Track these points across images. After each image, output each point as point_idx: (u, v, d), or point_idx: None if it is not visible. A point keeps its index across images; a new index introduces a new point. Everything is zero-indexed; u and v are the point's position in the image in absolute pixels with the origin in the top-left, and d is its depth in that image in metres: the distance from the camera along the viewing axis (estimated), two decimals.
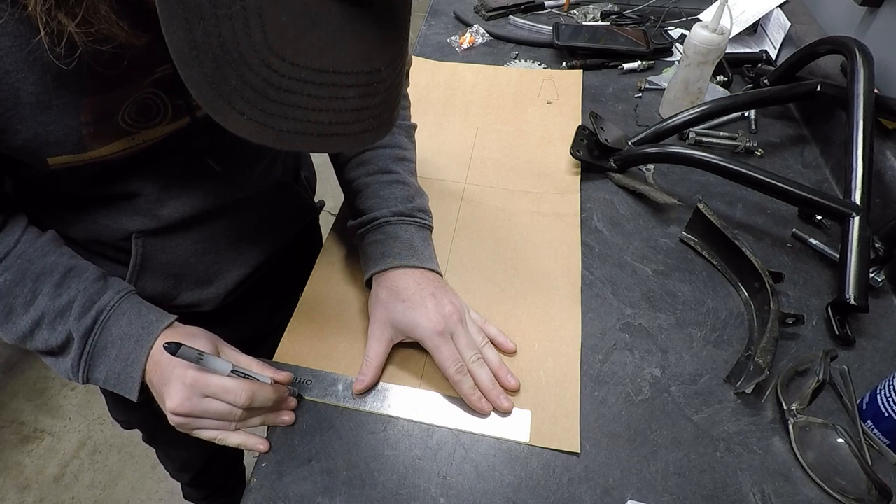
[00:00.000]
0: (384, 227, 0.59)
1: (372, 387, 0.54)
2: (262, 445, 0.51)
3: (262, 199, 0.64)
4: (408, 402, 0.54)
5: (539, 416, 0.52)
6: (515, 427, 0.51)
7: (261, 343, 0.67)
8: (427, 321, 0.53)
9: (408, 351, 0.57)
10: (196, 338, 0.50)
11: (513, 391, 0.54)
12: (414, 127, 0.71)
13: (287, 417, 0.52)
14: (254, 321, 0.74)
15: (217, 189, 0.57)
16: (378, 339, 0.55)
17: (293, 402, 0.53)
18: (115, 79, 0.43)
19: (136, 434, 0.93)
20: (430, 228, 0.62)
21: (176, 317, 0.52)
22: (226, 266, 0.64)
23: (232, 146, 0.55)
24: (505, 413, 0.52)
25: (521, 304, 0.62)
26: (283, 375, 0.52)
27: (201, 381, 0.47)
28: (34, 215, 0.54)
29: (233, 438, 0.51)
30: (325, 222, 0.75)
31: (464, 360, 0.53)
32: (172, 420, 0.49)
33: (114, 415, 0.88)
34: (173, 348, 0.44)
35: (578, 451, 0.50)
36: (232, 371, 0.48)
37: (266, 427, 0.53)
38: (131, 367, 0.49)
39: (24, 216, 0.52)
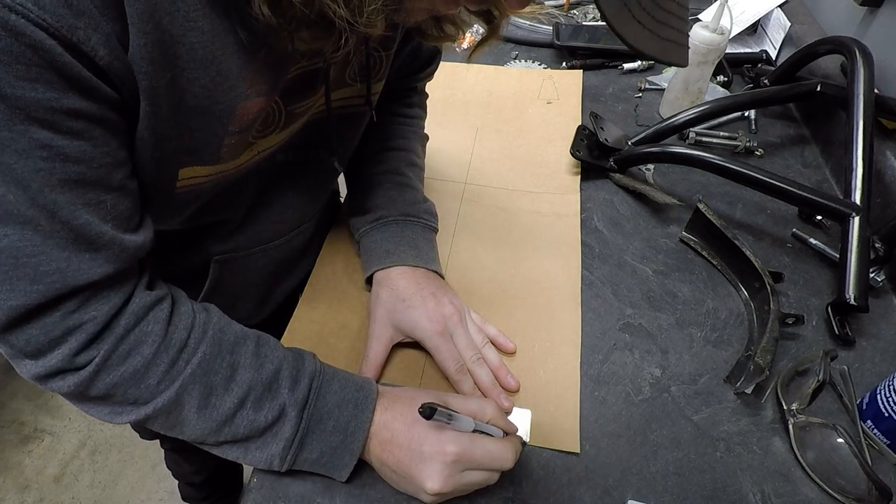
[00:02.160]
0: (390, 225, 0.59)
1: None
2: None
3: (320, 216, 0.65)
4: None
5: (539, 416, 0.52)
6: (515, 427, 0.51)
7: None
8: (427, 321, 0.53)
9: (408, 351, 0.57)
10: (416, 397, 0.46)
11: (513, 391, 0.54)
12: (426, 138, 0.72)
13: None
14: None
15: (294, 207, 0.56)
16: (378, 338, 0.55)
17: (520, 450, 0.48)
18: (269, 80, 0.40)
19: (137, 434, 0.93)
20: (435, 231, 0.63)
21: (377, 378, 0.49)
22: (278, 283, 0.65)
23: (308, 152, 0.54)
24: (505, 413, 0.52)
25: (521, 304, 0.62)
26: (513, 426, 0.47)
27: (466, 456, 0.42)
28: None
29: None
30: None
31: (464, 359, 0.53)
32: (428, 500, 0.44)
33: (135, 426, 0.87)
34: (428, 412, 0.40)
35: (578, 451, 0.50)
36: (475, 430, 0.44)
37: None
38: (351, 438, 0.43)
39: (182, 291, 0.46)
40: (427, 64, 0.67)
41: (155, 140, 0.37)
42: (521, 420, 0.52)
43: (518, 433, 0.48)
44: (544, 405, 0.53)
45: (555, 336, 0.59)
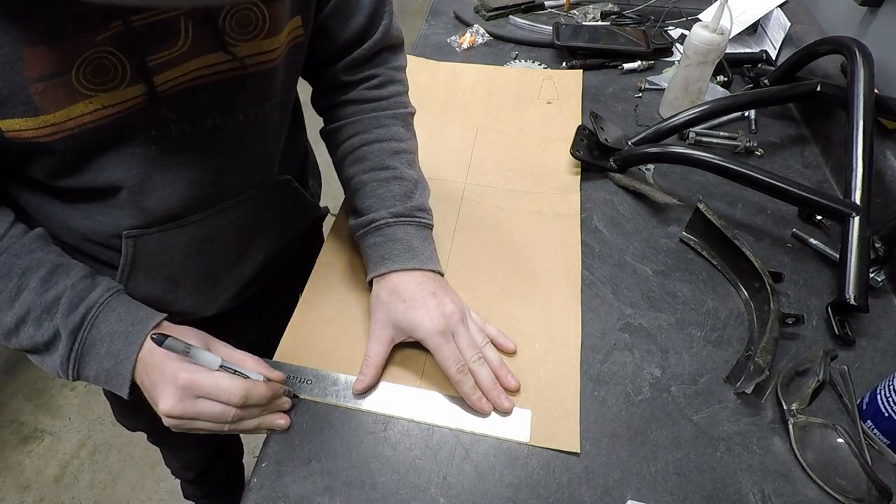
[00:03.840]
0: (383, 229, 0.59)
1: (372, 387, 0.54)
2: (283, 420, 0.51)
3: (262, 198, 0.62)
4: (408, 401, 0.54)
5: (539, 416, 0.52)
6: (516, 427, 0.51)
7: (266, 349, 0.66)
8: (428, 321, 0.53)
9: (408, 351, 0.57)
10: (186, 334, 0.50)
11: (513, 391, 0.54)
12: (412, 114, 0.68)
13: (282, 421, 0.51)
14: (257, 328, 0.71)
15: (203, 179, 0.54)
16: (379, 339, 0.55)
17: (287, 402, 0.53)
18: (60, 30, 0.41)
19: (137, 434, 0.94)
20: (430, 227, 0.62)
21: (166, 315, 0.52)
22: (224, 269, 0.63)
23: (204, 120, 0.52)
24: (505, 413, 0.52)
25: (521, 304, 0.62)
26: (276, 374, 0.52)
27: (195, 383, 0.47)
28: (23, 219, 0.53)
29: (248, 424, 0.50)
30: (325, 223, 0.75)
31: (465, 359, 0.53)
32: (166, 422, 0.48)
33: (119, 419, 0.88)
34: (160, 339, 0.45)
35: (578, 451, 0.50)
36: (222, 367, 0.48)
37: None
38: (121, 365, 0.49)
39: (11, 212, 0.51)
40: (368, 27, 0.62)
41: None
42: (522, 420, 0.52)
43: (284, 385, 0.53)
44: (544, 405, 0.53)
45: (555, 336, 0.59)
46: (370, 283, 0.58)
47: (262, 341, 0.60)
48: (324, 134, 0.68)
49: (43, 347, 0.49)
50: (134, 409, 0.50)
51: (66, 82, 0.42)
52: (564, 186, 0.76)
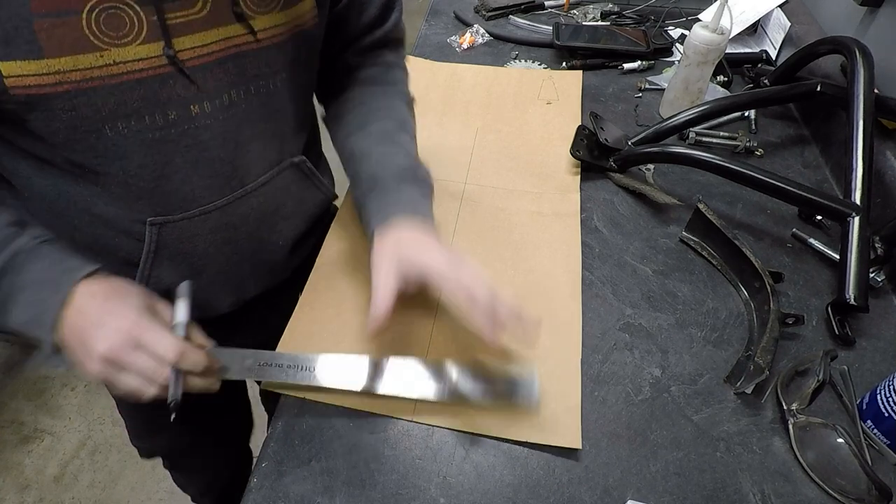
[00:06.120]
0: (389, 184, 0.58)
1: (385, 320, 0.49)
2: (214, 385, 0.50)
3: (280, 181, 0.61)
4: (402, 377, 0.53)
5: (540, 413, 0.52)
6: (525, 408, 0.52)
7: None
8: (437, 252, 0.51)
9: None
10: (129, 290, 0.49)
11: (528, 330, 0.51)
12: (414, 100, 0.69)
13: (200, 382, 0.49)
14: (272, 326, 0.66)
15: (223, 158, 0.54)
16: (387, 272, 0.51)
17: (216, 384, 0.51)
18: None
19: None
20: (431, 187, 0.61)
21: (99, 266, 0.50)
22: (246, 256, 0.62)
23: (221, 97, 0.51)
24: (513, 324, 0.50)
25: (521, 303, 0.61)
26: (210, 343, 0.52)
27: (138, 328, 0.46)
28: (44, 206, 0.52)
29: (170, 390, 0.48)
30: None
31: (471, 288, 0.49)
32: (95, 367, 0.46)
33: (134, 442, 0.86)
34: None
35: (580, 447, 0.50)
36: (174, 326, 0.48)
37: (267, 427, 0.52)
38: (44, 314, 0.47)
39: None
40: (381, 17, 0.64)
41: None
42: (529, 383, 0.51)
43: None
44: (545, 402, 0.53)
45: (555, 334, 0.59)
46: (371, 237, 0.56)
47: (278, 336, 0.59)
48: (328, 118, 0.68)
49: None
50: (151, 429, 0.47)
51: (74, 24, 0.41)
52: (564, 186, 0.76)
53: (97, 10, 0.41)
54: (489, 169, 0.78)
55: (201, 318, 0.53)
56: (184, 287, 0.51)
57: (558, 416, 0.52)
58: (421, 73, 0.97)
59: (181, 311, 0.49)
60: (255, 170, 0.58)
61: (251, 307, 0.67)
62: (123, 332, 0.45)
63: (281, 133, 0.59)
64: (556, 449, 0.50)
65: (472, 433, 0.51)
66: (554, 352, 0.57)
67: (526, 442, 0.51)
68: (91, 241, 0.54)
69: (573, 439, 0.50)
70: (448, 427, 0.52)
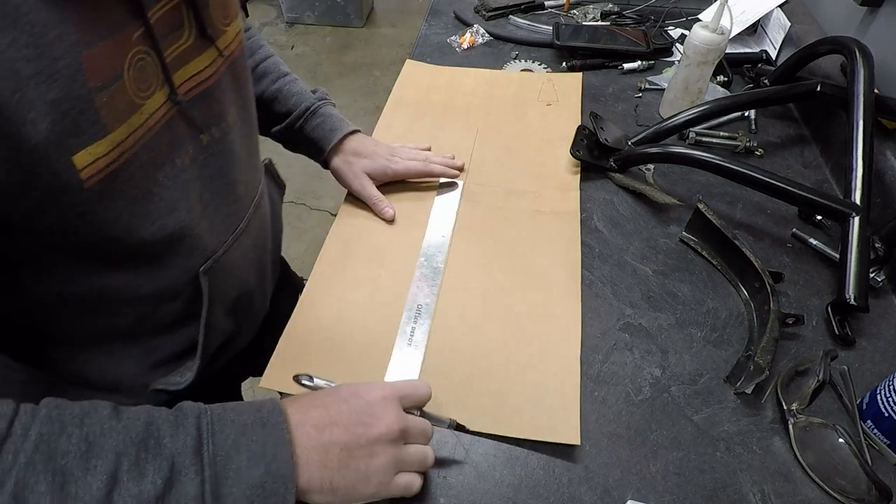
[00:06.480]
0: (318, 111, 0.71)
1: (387, 204, 0.70)
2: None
3: (266, 185, 0.65)
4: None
5: (539, 409, 0.52)
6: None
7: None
8: (388, 160, 0.72)
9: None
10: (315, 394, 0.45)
11: (460, 168, 0.76)
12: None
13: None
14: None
15: (239, 179, 0.54)
16: (367, 185, 0.70)
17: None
18: (106, 21, 0.36)
19: None
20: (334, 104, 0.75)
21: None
22: (270, 269, 0.66)
23: (222, 119, 0.50)
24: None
25: (521, 300, 0.62)
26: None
27: (400, 391, 0.43)
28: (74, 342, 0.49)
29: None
30: (325, 222, 0.75)
31: (410, 165, 0.73)
32: (385, 449, 0.40)
33: None
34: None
35: (579, 442, 0.50)
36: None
37: None
38: (275, 462, 0.35)
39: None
40: None
41: (18, 139, 0.32)
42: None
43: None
44: (544, 398, 0.53)
45: (554, 330, 0.59)
46: (326, 160, 0.72)
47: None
48: None
49: (159, 497, 0.33)
50: None
51: (122, 88, 0.38)
52: (564, 185, 0.76)
53: (131, 67, 0.39)
54: (489, 169, 0.79)
55: (237, 354, 0.56)
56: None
57: (557, 412, 0.52)
58: (422, 76, 0.97)
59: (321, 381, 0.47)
60: (257, 178, 0.60)
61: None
62: (389, 397, 0.42)
63: (257, 137, 0.61)
64: (556, 449, 0.50)
65: (471, 432, 0.51)
66: (553, 348, 0.57)
67: (525, 441, 0.51)
68: (130, 333, 0.51)
69: (572, 435, 0.50)
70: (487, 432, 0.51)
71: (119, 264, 0.45)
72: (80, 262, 0.43)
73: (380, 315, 0.60)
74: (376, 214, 0.70)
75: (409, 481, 0.42)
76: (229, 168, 0.52)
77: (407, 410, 0.44)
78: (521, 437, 0.51)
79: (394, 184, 0.74)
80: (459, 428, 0.49)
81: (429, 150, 0.78)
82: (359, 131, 0.73)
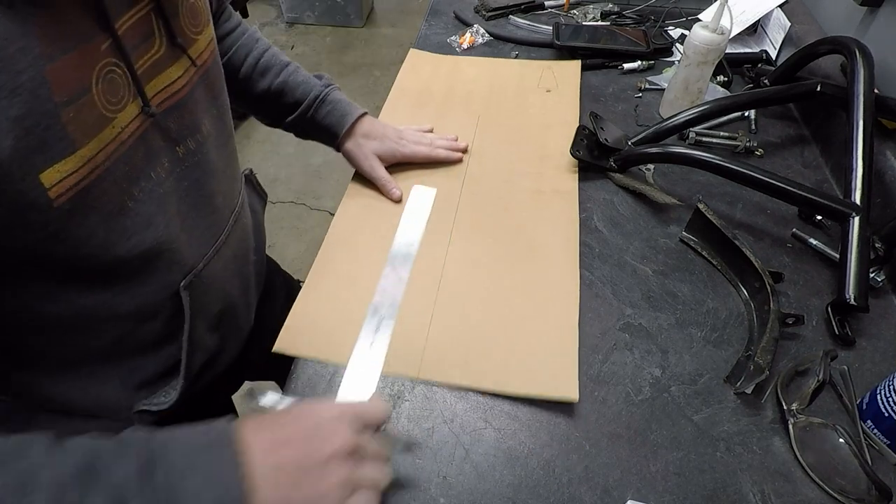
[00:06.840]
0: (327, 98, 0.72)
1: (395, 186, 0.72)
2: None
3: (246, 196, 0.65)
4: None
5: (536, 365, 0.55)
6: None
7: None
8: (395, 142, 0.74)
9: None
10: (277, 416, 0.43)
11: (462, 150, 0.79)
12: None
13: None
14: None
15: (217, 190, 0.54)
16: (377, 167, 0.73)
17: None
18: (70, 33, 0.35)
19: None
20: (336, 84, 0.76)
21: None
22: (253, 279, 0.65)
23: (198, 129, 0.50)
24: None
25: (522, 269, 0.65)
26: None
27: (354, 409, 0.41)
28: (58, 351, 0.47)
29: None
30: (325, 222, 0.76)
31: (416, 148, 0.75)
32: (339, 468, 0.38)
33: None
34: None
35: (577, 398, 0.52)
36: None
37: None
38: (228, 481, 0.34)
39: None
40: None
41: None
42: (426, 197, 0.70)
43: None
44: (543, 354, 0.55)
45: (553, 292, 0.62)
46: (339, 144, 0.74)
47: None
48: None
49: None
50: None
51: (90, 102, 0.37)
52: (563, 166, 0.78)
53: (100, 79, 0.38)
54: (490, 153, 0.81)
55: (225, 370, 0.55)
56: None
57: (556, 370, 0.54)
58: (423, 65, 0.99)
59: (271, 397, 0.44)
60: (236, 189, 0.60)
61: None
62: (349, 416, 0.41)
63: (234, 145, 0.60)
64: (557, 448, 0.50)
65: (472, 389, 0.53)
66: (552, 312, 0.60)
67: (525, 440, 0.51)
68: (111, 349, 0.49)
69: (571, 392, 0.52)
70: (448, 384, 0.54)
71: (96, 282, 0.44)
72: (55, 280, 0.42)
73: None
74: (384, 195, 0.73)
75: (366, 500, 0.40)
76: (206, 179, 0.51)
77: (368, 431, 0.42)
78: (522, 394, 0.52)
79: (399, 165, 0.77)
80: (408, 448, 0.49)
81: (431, 131, 0.82)
82: (367, 114, 0.76)
